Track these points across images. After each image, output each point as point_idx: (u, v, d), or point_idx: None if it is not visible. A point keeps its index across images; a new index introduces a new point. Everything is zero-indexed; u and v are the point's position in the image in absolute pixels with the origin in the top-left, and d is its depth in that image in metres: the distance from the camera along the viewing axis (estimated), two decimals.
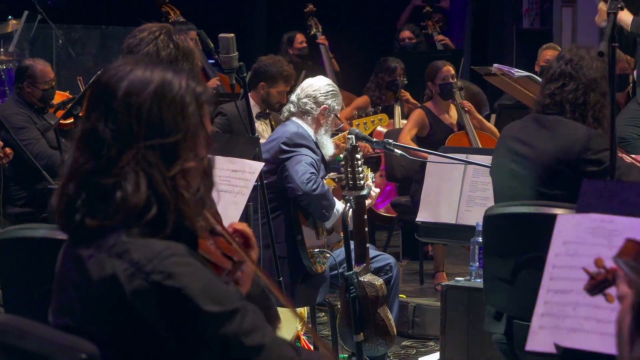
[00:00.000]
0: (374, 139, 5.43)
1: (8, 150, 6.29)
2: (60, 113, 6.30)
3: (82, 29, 9.67)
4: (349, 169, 4.87)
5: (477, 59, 10.95)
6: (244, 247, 2.46)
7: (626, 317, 1.71)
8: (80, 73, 8.46)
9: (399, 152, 5.26)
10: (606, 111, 4.11)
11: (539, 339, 2.75)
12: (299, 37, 10.02)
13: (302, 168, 5.12)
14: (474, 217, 5.10)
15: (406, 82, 8.60)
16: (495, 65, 6.59)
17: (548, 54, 8.02)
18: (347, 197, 4.86)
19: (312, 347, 5.37)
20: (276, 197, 5.16)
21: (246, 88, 4.74)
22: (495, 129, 7.58)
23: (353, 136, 4.93)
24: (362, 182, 4.88)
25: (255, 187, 4.35)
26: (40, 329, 2.28)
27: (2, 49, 8.89)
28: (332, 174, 5.62)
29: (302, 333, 5.54)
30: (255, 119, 6.30)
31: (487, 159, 5.26)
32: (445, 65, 7.56)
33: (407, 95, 8.62)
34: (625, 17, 5.86)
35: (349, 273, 4.79)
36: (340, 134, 6.41)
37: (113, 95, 2.25)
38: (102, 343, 2.20)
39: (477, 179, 5.55)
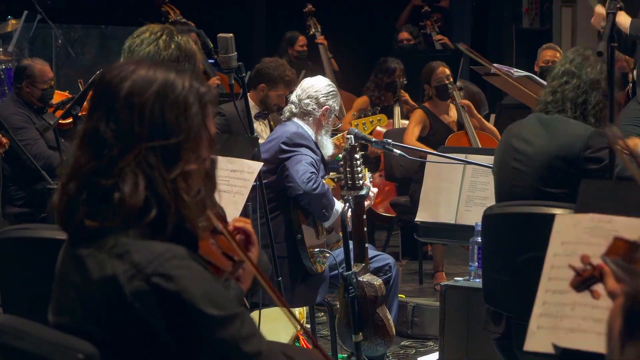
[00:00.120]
0: (373, 139, 5.43)
1: (4, 140, 6.30)
2: (59, 113, 6.30)
3: (81, 28, 9.66)
4: (347, 169, 4.88)
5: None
6: (245, 244, 2.45)
7: (616, 320, 1.71)
8: (79, 73, 8.46)
9: (398, 152, 5.27)
10: (607, 112, 4.12)
11: (537, 339, 2.75)
12: (301, 40, 10.04)
13: (302, 167, 5.12)
14: (473, 217, 5.10)
15: (405, 82, 8.60)
16: (495, 65, 6.59)
17: (548, 54, 8.03)
18: (346, 197, 4.86)
19: (311, 347, 5.37)
20: (276, 196, 5.16)
21: (245, 88, 4.74)
22: (495, 129, 7.59)
23: (352, 136, 4.93)
24: (361, 182, 4.89)
25: (254, 187, 4.35)
26: (38, 329, 2.28)
27: (1, 49, 8.88)
28: (331, 174, 5.63)
29: (301, 333, 5.54)
30: (254, 119, 6.31)
31: (486, 159, 5.26)
32: (439, 66, 7.57)
33: (406, 96, 8.62)
34: (624, 20, 5.86)
35: (347, 273, 4.79)
36: (339, 134, 6.41)
37: (115, 95, 2.24)
38: (101, 343, 2.20)
39: (476, 179, 5.55)
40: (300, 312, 5.70)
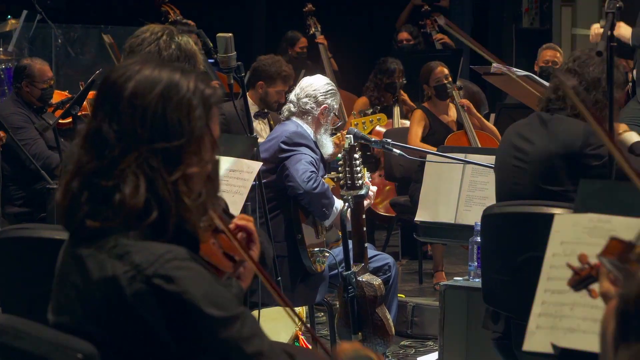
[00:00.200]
0: (373, 139, 5.43)
1: (1, 133, 6.30)
2: (58, 113, 6.30)
3: (81, 28, 9.66)
4: (347, 169, 4.88)
5: (476, 59, 10.93)
6: (247, 242, 2.45)
7: (610, 323, 1.71)
8: (79, 73, 8.46)
9: (398, 151, 5.27)
10: (607, 111, 4.12)
11: (536, 339, 2.75)
12: (302, 41, 10.05)
13: (302, 167, 5.12)
14: (473, 217, 5.09)
15: (405, 82, 8.60)
16: (494, 64, 6.59)
17: (548, 54, 8.03)
18: (345, 197, 4.86)
19: (310, 347, 5.37)
20: (275, 196, 5.16)
21: (244, 88, 4.74)
22: (495, 129, 7.59)
23: (351, 136, 4.93)
24: (360, 181, 4.89)
25: (253, 187, 4.35)
26: (36, 329, 2.28)
27: (1, 49, 8.88)
28: (331, 173, 5.62)
29: (300, 333, 5.54)
30: (253, 119, 6.30)
31: (486, 159, 5.26)
32: (438, 66, 7.58)
33: (405, 96, 8.62)
34: (624, 31, 5.86)
35: (347, 273, 4.79)
36: (338, 133, 6.41)
37: (119, 95, 2.23)
38: (101, 343, 2.20)
39: (476, 178, 5.55)
40: (300, 311, 5.70)
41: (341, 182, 4.95)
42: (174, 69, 2.28)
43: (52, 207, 6.08)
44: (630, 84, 6.60)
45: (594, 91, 4.15)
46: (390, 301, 5.26)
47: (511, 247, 3.90)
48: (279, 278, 4.66)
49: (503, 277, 3.91)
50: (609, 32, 3.88)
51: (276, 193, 5.16)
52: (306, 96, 5.36)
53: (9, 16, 9.17)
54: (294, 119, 5.37)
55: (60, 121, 6.18)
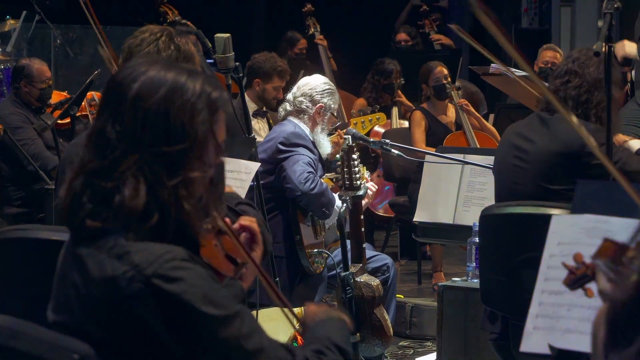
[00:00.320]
0: (371, 139, 5.43)
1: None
2: (57, 113, 6.30)
3: (80, 28, 9.65)
4: (345, 169, 4.87)
5: (475, 59, 10.93)
6: (249, 243, 2.44)
7: (600, 330, 1.71)
8: (78, 73, 8.46)
9: (396, 152, 5.26)
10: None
11: (533, 340, 2.75)
12: (302, 42, 10.06)
13: (299, 168, 5.12)
14: (472, 217, 5.10)
15: (403, 82, 8.60)
16: (493, 65, 6.58)
17: (547, 54, 8.03)
18: (343, 198, 4.85)
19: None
20: (274, 197, 5.16)
21: (242, 88, 4.74)
22: (494, 130, 7.58)
23: (350, 137, 4.93)
24: (358, 182, 4.88)
25: (251, 188, 4.35)
26: (33, 329, 2.28)
27: None
28: (330, 173, 5.62)
29: (299, 333, 5.53)
30: (252, 118, 6.30)
31: (484, 159, 5.26)
32: (437, 66, 7.57)
33: (403, 97, 8.62)
34: (630, 49, 5.85)
35: (345, 273, 4.79)
36: (335, 132, 6.41)
37: (124, 96, 2.21)
38: (100, 343, 2.19)
39: (474, 179, 5.55)
40: (299, 312, 5.69)
41: (339, 182, 4.95)
42: (181, 71, 2.25)
43: (50, 208, 6.08)
44: (629, 84, 6.60)
45: (596, 92, 4.15)
46: (388, 302, 5.26)
47: (509, 248, 3.90)
48: (277, 279, 4.66)
49: (500, 278, 3.91)
50: (607, 32, 3.88)
51: (274, 194, 5.16)
52: (302, 95, 5.36)
53: (8, 16, 9.18)
54: (291, 118, 5.37)
55: (58, 121, 6.18)
